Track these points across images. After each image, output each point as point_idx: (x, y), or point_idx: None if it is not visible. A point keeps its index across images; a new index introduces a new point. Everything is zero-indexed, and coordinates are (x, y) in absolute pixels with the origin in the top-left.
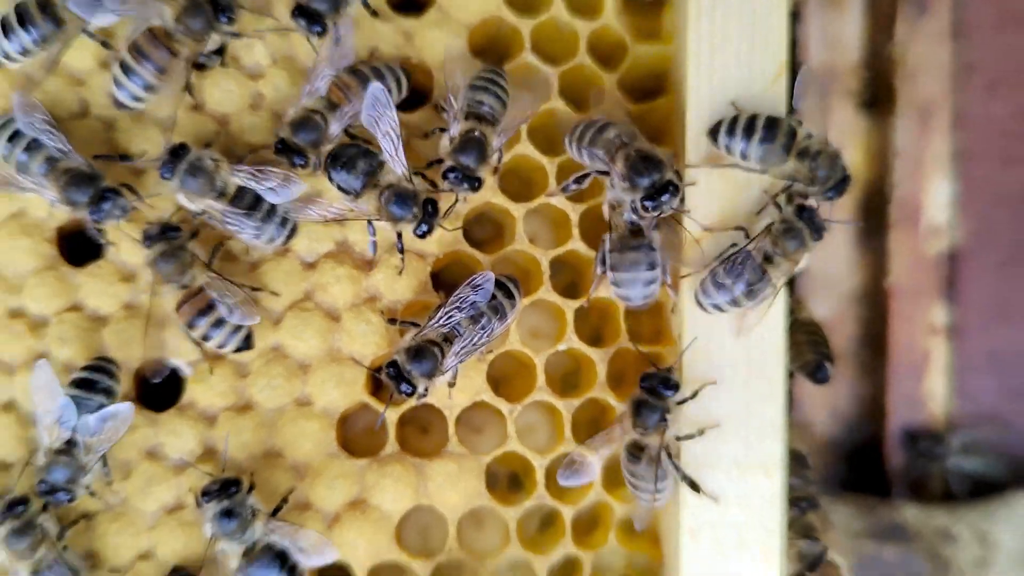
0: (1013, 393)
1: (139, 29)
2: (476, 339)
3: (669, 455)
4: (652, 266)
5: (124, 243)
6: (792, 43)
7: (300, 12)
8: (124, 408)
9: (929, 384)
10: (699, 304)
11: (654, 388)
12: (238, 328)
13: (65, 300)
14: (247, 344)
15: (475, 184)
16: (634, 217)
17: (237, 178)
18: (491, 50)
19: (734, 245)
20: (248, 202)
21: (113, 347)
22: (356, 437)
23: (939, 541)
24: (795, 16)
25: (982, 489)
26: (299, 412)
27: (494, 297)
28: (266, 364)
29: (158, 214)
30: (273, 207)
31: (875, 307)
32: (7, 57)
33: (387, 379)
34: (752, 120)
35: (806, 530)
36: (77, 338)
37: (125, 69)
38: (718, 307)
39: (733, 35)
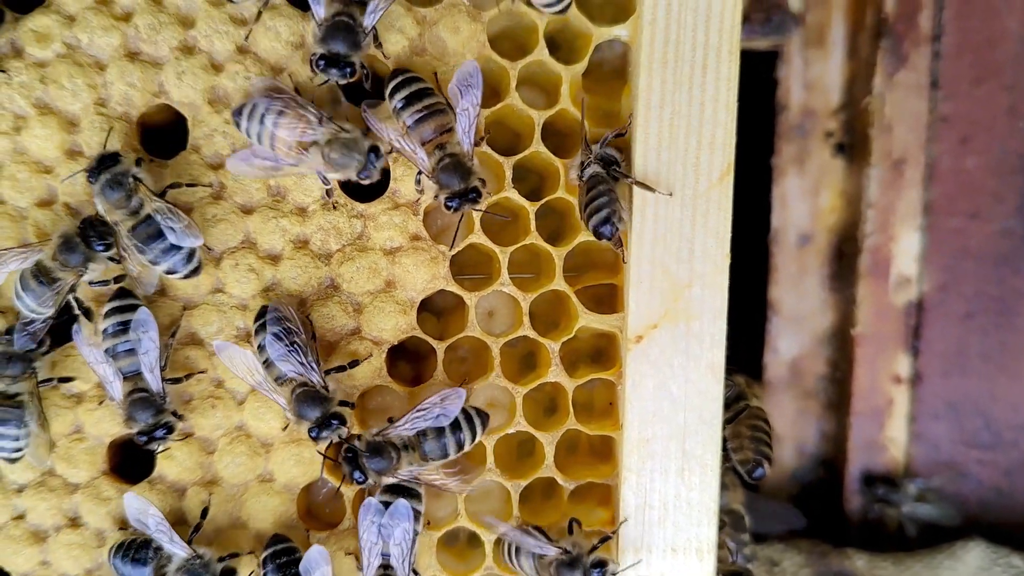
0: (969, 443)
1: None
2: (433, 454)
3: None
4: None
5: None
6: (772, 83)
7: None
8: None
9: (890, 430)
10: None
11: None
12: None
13: None
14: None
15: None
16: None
17: (150, 206)
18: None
19: None
20: (151, 232)
21: None
22: (318, 504)
23: None
24: (776, 55)
25: (937, 536)
26: (261, 488)
27: (458, 424)
28: (230, 443)
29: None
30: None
31: (842, 350)
32: None
33: (343, 461)
34: None
35: None
36: None
37: None
38: None
39: (680, 133)
